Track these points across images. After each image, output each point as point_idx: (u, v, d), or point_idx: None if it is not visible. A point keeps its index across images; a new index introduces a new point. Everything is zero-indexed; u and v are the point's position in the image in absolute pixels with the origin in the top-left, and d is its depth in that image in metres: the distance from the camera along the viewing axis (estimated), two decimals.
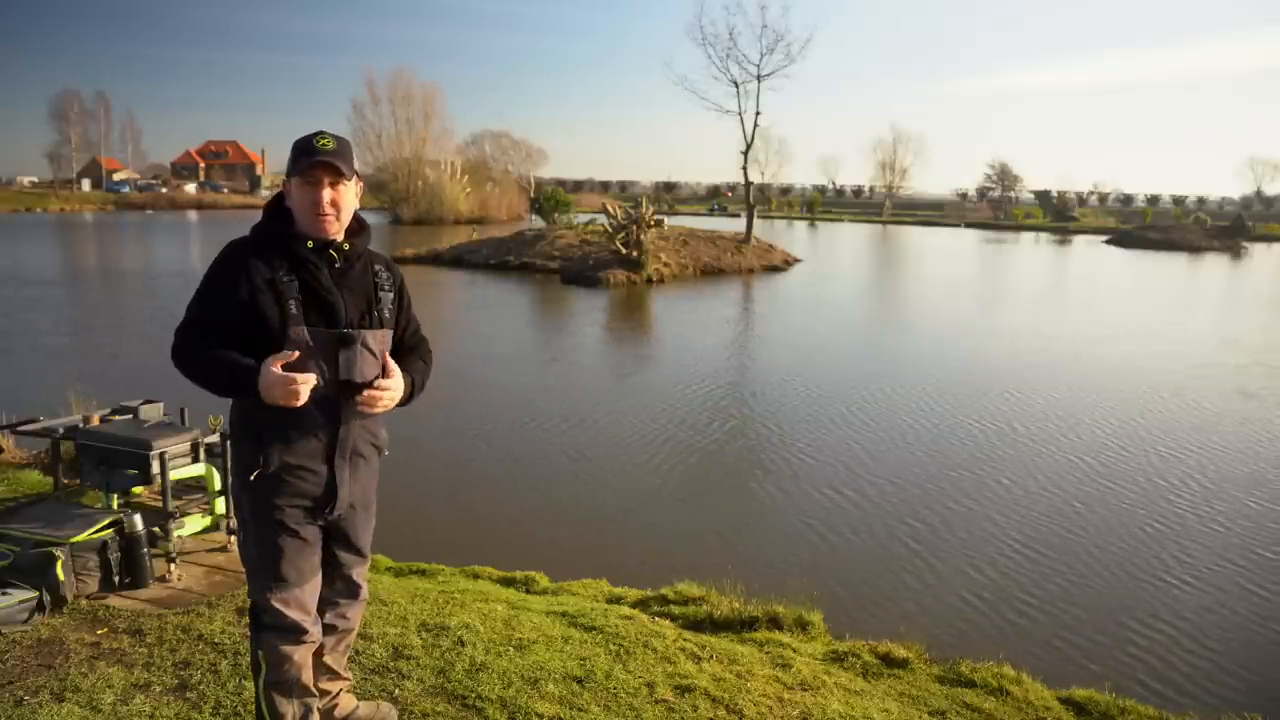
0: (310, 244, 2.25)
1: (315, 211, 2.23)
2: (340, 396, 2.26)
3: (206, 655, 3.23)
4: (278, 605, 2.28)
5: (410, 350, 2.52)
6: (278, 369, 2.10)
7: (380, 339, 2.35)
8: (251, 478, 2.24)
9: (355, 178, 2.32)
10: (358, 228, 2.37)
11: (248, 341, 2.17)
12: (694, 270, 27.33)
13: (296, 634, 2.32)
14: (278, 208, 2.32)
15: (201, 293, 2.23)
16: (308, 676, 2.39)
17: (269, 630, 2.30)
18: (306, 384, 2.11)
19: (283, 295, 2.18)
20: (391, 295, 2.43)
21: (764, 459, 8.77)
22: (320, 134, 2.26)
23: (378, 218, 58.73)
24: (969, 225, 67.60)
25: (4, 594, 3.46)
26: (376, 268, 2.42)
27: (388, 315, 2.39)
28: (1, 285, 21.70)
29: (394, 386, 2.31)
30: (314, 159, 2.21)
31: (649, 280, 24.78)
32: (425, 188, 60.75)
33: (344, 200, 2.28)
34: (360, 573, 2.53)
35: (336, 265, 2.29)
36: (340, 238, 2.31)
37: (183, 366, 2.18)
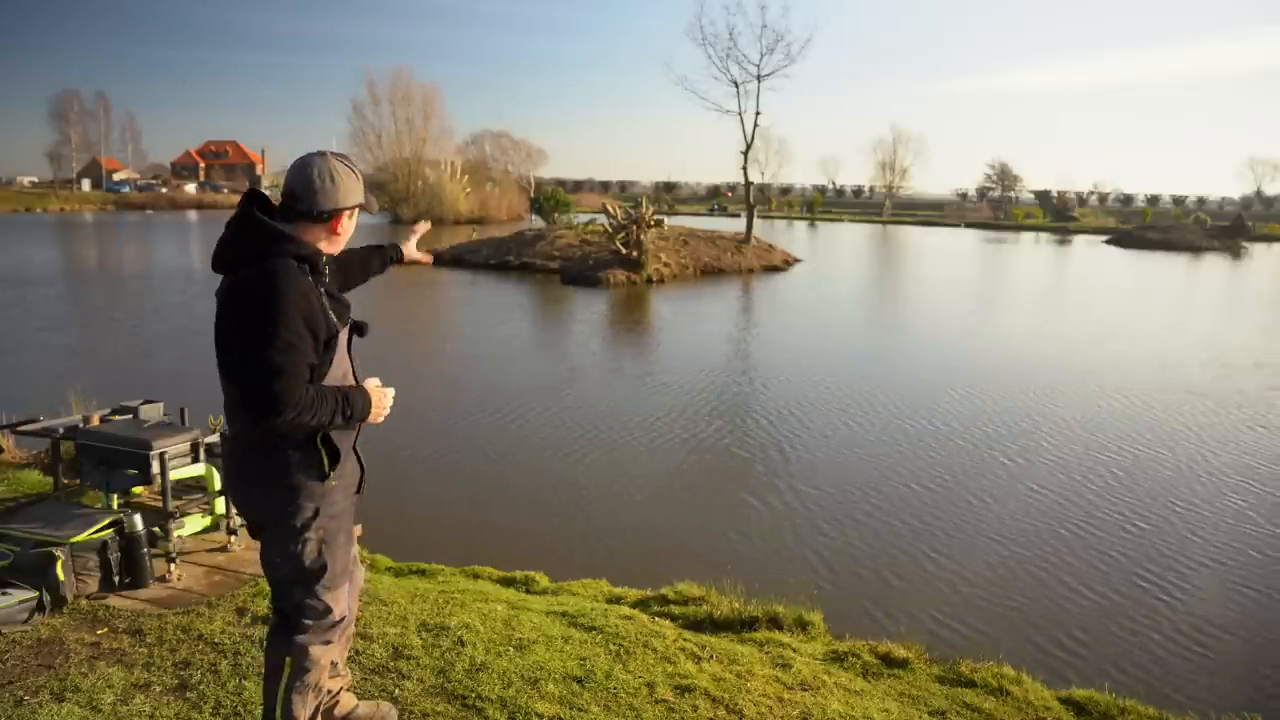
0: (325, 257, 2.30)
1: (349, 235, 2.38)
2: (359, 384, 2.38)
3: (206, 655, 3.23)
4: (329, 601, 2.33)
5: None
6: (379, 389, 2.32)
7: None
8: (333, 481, 2.25)
9: None
10: None
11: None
12: (694, 270, 27.33)
13: (336, 630, 2.37)
14: (316, 229, 2.26)
15: (285, 333, 2.06)
16: (325, 678, 2.41)
17: (306, 633, 2.32)
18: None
19: (324, 305, 2.21)
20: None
21: (765, 459, 8.76)
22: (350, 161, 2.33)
23: (378, 218, 58.76)
24: (969, 225, 67.58)
25: (4, 594, 3.46)
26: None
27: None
28: (1, 285, 21.70)
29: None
30: (373, 201, 2.38)
31: (649, 280, 24.78)
32: (425, 188, 60.74)
33: None
34: (357, 553, 2.59)
35: (332, 270, 2.36)
36: None
37: (302, 415, 2.07)
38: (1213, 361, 14.37)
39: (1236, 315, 21.94)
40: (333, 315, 2.23)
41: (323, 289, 2.23)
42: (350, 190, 2.25)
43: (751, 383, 12.50)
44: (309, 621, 2.31)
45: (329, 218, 2.23)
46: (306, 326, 2.10)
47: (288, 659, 2.32)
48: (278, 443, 2.19)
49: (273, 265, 2.09)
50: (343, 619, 2.39)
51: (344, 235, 2.34)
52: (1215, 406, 11.14)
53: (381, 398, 2.32)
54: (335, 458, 2.25)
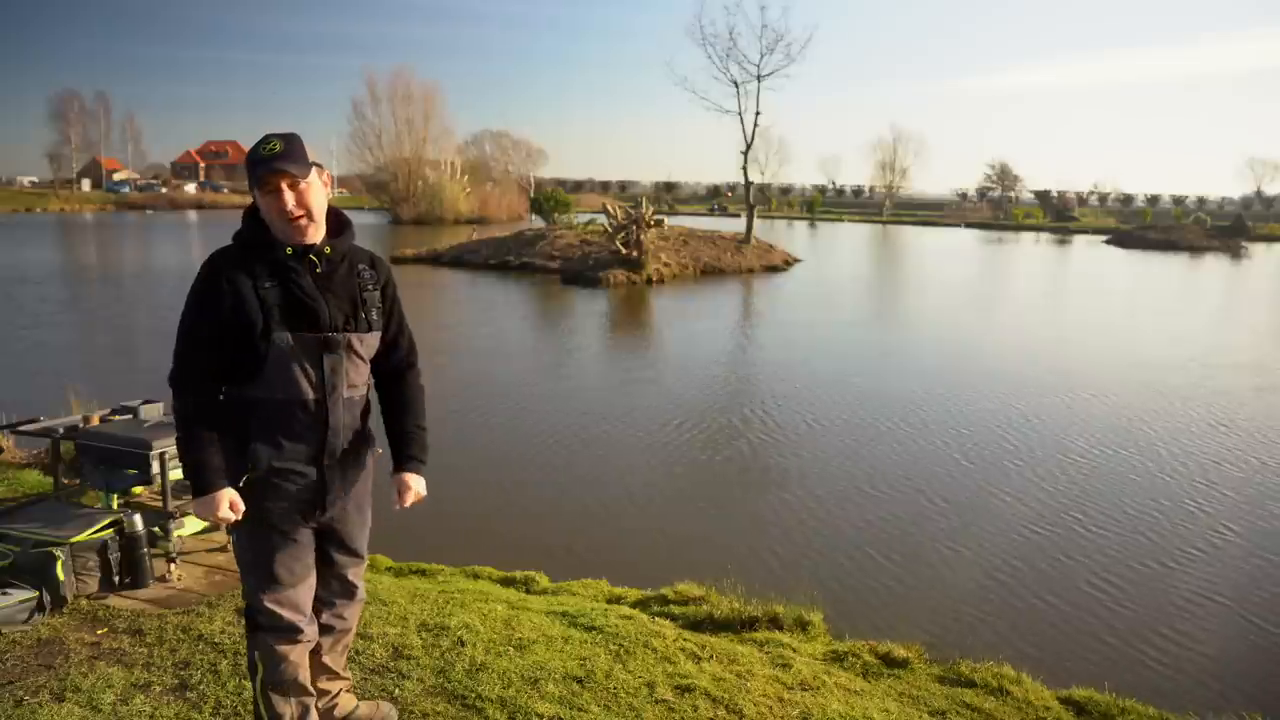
0: (290, 250, 2.22)
1: (285, 219, 2.19)
2: (328, 401, 2.26)
3: (206, 655, 3.23)
4: (271, 606, 2.29)
5: (399, 376, 2.51)
6: (228, 508, 2.20)
7: (368, 342, 2.36)
8: (241, 483, 2.23)
9: (318, 169, 2.25)
10: (339, 227, 2.33)
11: (233, 349, 2.19)
12: (694, 270, 27.32)
13: (291, 634, 2.32)
14: (257, 215, 2.26)
15: (191, 312, 2.22)
16: (305, 676, 2.39)
17: (264, 631, 2.30)
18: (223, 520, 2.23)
19: (265, 302, 2.18)
20: (378, 294, 2.39)
21: (764, 459, 8.76)
22: (266, 140, 2.20)
23: (378, 218, 58.78)
24: (969, 225, 67.57)
25: (4, 594, 3.46)
26: (360, 267, 2.37)
27: (375, 317, 2.37)
28: (2, 285, 21.70)
29: (419, 489, 2.49)
30: (268, 168, 2.16)
31: (649, 280, 24.76)
32: (425, 188, 60.77)
33: (311, 199, 2.22)
34: (356, 573, 2.53)
35: (318, 270, 2.26)
36: (319, 240, 2.27)
37: (178, 401, 2.24)
38: (1197, 361, 14.37)
39: (1229, 316, 21.93)
40: (273, 311, 2.18)
41: (276, 283, 2.19)
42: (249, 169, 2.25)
43: (751, 383, 12.50)
44: (261, 619, 2.31)
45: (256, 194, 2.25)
46: (213, 313, 2.18)
47: (257, 654, 2.33)
48: (222, 434, 2.26)
49: (211, 255, 2.27)
50: (294, 625, 2.32)
51: (267, 216, 2.21)
52: (1193, 408, 11.16)
53: (214, 510, 2.19)
54: (242, 456, 2.23)
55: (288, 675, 2.33)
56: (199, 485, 2.19)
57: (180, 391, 2.23)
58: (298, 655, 2.35)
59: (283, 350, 2.19)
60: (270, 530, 2.27)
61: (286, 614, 2.30)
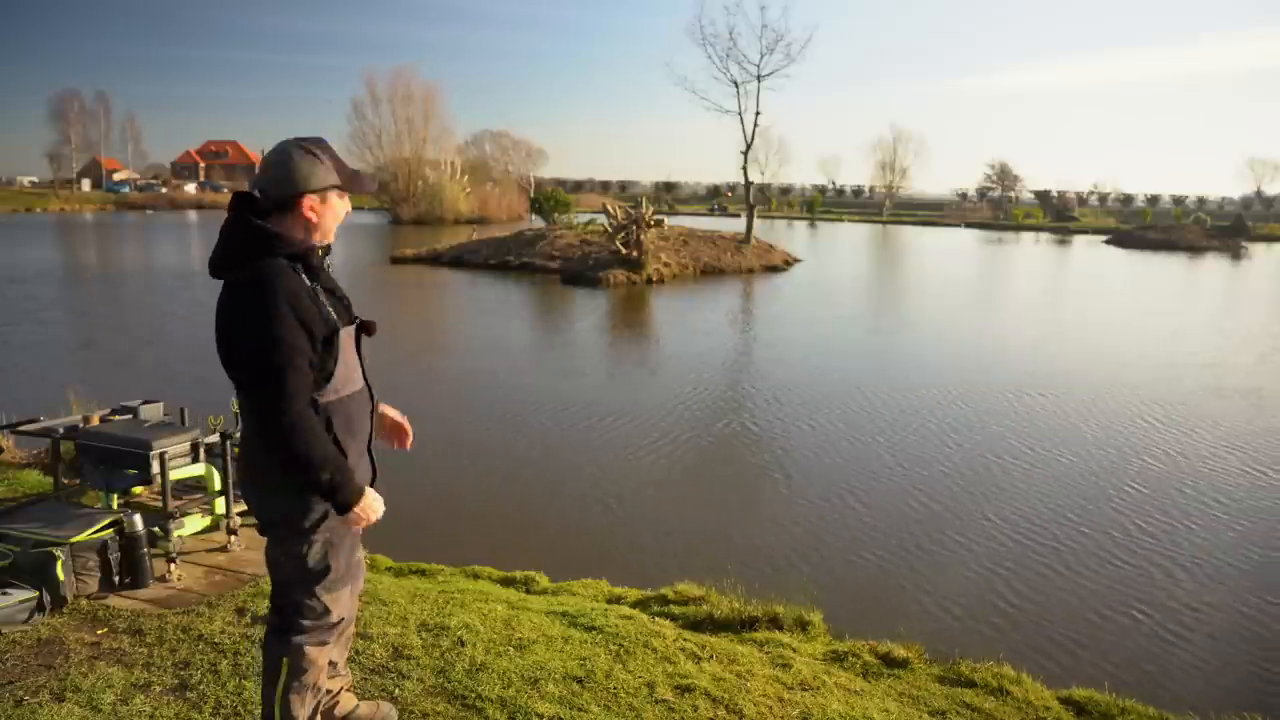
0: (321, 250, 2.27)
1: (339, 221, 2.30)
2: (370, 386, 2.38)
3: (206, 655, 3.23)
4: (328, 603, 2.31)
5: None
6: (375, 498, 2.27)
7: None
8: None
9: None
10: None
11: (319, 356, 2.19)
12: (694, 270, 27.32)
13: (331, 633, 2.35)
14: (284, 219, 2.19)
15: (284, 335, 2.07)
16: (323, 678, 2.41)
17: (306, 634, 2.31)
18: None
19: (321, 302, 2.19)
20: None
21: (763, 459, 8.76)
22: (324, 146, 2.24)
23: (377, 218, 58.79)
24: (969, 225, 67.56)
25: (4, 594, 3.46)
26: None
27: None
28: (2, 284, 21.69)
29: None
30: (362, 186, 2.30)
31: (649, 280, 24.76)
32: (425, 188, 60.76)
33: None
34: (362, 557, 2.58)
35: (328, 266, 2.33)
36: None
37: (290, 429, 2.07)
38: (1176, 362, 14.40)
39: (1224, 317, 21.93)
40: (330, 311, 2.20)
41: (318, 285, 2.20)
42: (310, 174, 2.17)
43: (750, 383, 12.50)
44: (307, 622, 2.30)
45: (292, 204, 2.17)
46: (302, 325, 2.09)
47: (284, 659, 2.31)
48: None
49: (262, 266, 2.10)
50: (341, 620, 2.37)
51: (321, 221, 2.22)
52: (1149, 402, 11.17)
53: (371, 504, 2.25)
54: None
55: (311, 679, 2.35)
56: (344, 484, 2.16)
57: (292, 422, 2.08)
58: (324, 657, 2.37)
59: (345, 343, 2.24)
60: (347, 529, 2.31)
61: (339, 610, 2.35)
